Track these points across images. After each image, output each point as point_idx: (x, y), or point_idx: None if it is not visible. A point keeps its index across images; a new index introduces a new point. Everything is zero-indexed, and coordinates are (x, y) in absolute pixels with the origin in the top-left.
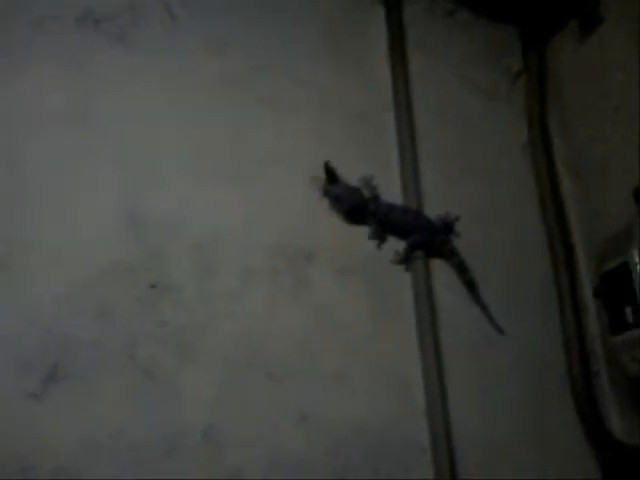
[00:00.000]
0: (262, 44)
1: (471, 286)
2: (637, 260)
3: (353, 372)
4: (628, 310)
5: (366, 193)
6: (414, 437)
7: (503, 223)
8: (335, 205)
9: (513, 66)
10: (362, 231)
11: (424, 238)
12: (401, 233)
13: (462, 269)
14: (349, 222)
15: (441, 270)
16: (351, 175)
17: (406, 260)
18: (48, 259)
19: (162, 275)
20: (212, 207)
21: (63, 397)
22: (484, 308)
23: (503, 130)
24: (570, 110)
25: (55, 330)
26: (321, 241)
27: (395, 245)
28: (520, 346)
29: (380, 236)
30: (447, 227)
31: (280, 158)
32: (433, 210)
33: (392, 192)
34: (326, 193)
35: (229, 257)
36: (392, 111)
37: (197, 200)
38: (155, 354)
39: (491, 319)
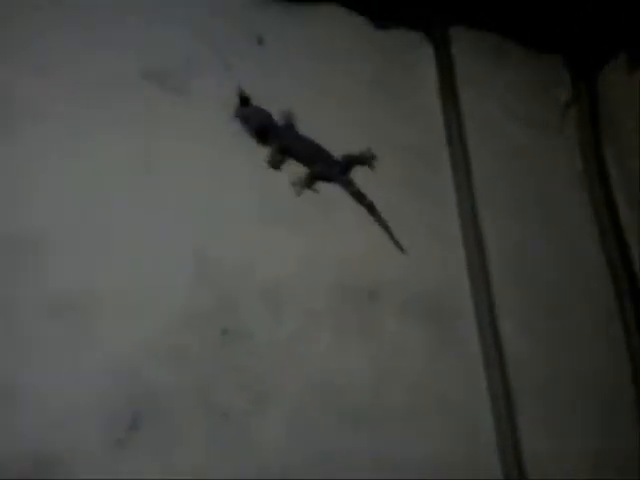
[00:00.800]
0: (316, 87)
1: (371, 209)
2: None
3: (422, 410)
4: None
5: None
6: (486, 474)
7: (562, 255)
8: (244, 125)
9: (562, 96)
10: (424, 266)
11: (323, 170)
12: (302, 161)
13: (359, 197)
14: (257, 142)
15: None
16: (409, 214)
17: (305, 187)
18: (127, 307)
19: (233, 320)
20: (277, 251)
21: (145, 443)
22: (385, 227)
23: (556, 161)
24: (626, 141)
25: (136, 378)
26: (383, 278)
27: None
28: (588, 378)
29: (279, 161)
30: (348, 163)
31: (339, 199)
32: (492, 244)
33: (449, 227)
34: (236, 114)
35: (295, 300)
36: (445, 146)
37: (262, 245)
38: (230, 399)
39: (393, 238)
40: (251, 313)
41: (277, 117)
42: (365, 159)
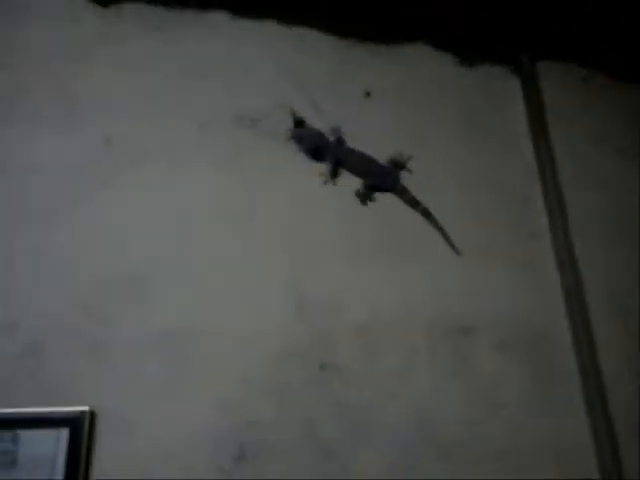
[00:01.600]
0: (406, 132)
1: (426, 214)
2: None
3: (522, 448)
4: None
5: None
6: None
7: None
8: (298, 145)
9: None
10: (519, 300)
11: (378, 181)
12: (357, 173)
13: (414, 203)
14: (312, 160)
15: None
16: (502, 248)
17: (364, 199)
18: (227, 343)
19: (330, 356)
20: (370, 287)
21: (250, 475)
22: (441, 231)
23: None
24: None
25: (240, 412)
26: (478, 313)
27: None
28: None
29: (334, 174)
30: (396, 170)
31: (431, 236)
32: (588, 276)
33: (544, 259)
34: (291, 135)
35: (390, 336)
36: (537, 179)
37: (356, 281)
38: (331, 433)
39: (448, 240)
40: (347, 349)
41: (328, 133)
42: (402, 163)
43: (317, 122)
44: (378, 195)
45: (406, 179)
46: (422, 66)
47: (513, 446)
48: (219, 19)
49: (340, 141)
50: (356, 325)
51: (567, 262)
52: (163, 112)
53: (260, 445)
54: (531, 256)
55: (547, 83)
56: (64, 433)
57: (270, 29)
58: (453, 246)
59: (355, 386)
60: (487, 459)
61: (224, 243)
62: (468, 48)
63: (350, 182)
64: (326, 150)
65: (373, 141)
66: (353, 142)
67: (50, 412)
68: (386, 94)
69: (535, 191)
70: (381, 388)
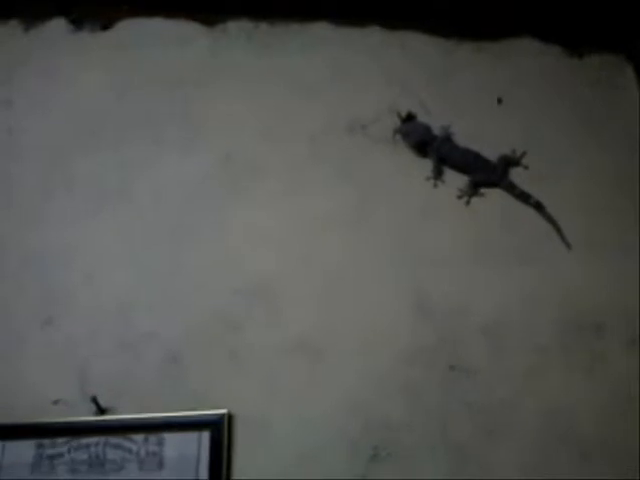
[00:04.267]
0: (519, 128)
1: (539, 207)
2: None
3: None
4: None
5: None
6: None
7: None
8: (404, 139)
9: None
10: None
11: (483, 177)
12: (462, 171)
13: (525, 197)
14: (419, 155)
15: None
16: (611, 245)
17: (469, 196)
18: (356, 345)
19: (457, 357)
20: (494, 287)
21: (385, 476)
22: (554, 223)
23: None
24: None
25: (372, 413)
26: (608, 310)
27: None
28: None
29: (438, 172)
30: (506, 166)
31: (548, 232)
32: None
33: None
34: (398, 130)
35: (518, 336)
36: None
37: (479, 281)
38: (464, 434)
39: (560, 234)
40: (474, 349)
41: (437, 131)
42: (516, 159)
43: (427, 121)
44: (491, 193)
45: (521, 175)
46: (529, 60)
47: None
48: (323, 30)
49: (447, 138)
50: (481, 326)
51: None
52: (280, 126)
53: (394, 446)
54: None
55: None
56: (206, 435)
57: (373, 35)
58: (565, 240)
59: (486, 386)
60: (628, 457)
61: (346, 250)
62: (576, 38)
63: (463, 182)
64: (431, 145)
65: (484, 139)
66: (464, 140)
67: (192, 415)
68: (494, 92)
69: None
70: (513, 388)
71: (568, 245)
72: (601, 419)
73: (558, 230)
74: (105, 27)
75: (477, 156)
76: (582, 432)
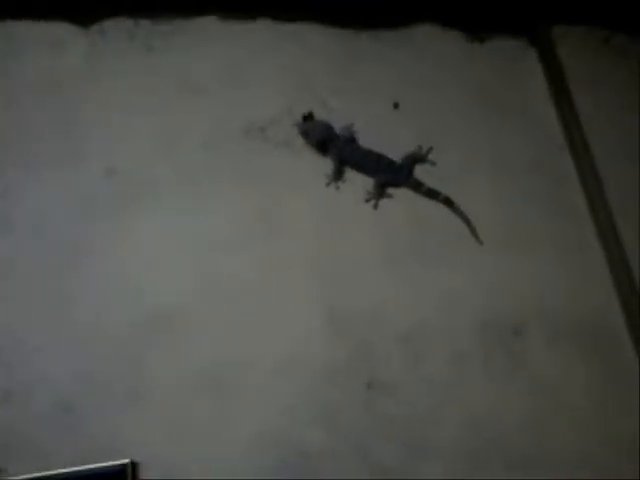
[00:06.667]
0: (421, 121)
1: (448, 203)
2: None
3: (591, 448)
4: None
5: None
6: None
7: None
8: (305, 138)
9: None
10: (568, 292)
11: (388, 178)
12: (366, 172)
13: (433, 194)
14: (318, 154)
15: None
16: (539, 234)
17: (377, 198)
18: (268, 371)
19: (376, 372)
20: (407, 293)
21: None
22: (465, 219)
23: None
24: None
25: (290, 445)
26: (527, 310)
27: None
28: None
29: (339, 172)
30: (412, 164)
31: (461, 232)
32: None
33: (587, 243)
34: (298, 129)
35: (436, 343)
36: (568, 154)
37: (391, 288)
38: (388, 455)
39: (471, 229)
40: (392, 361)
41: (339, 131)
42: (422, 156)
43: (326, 118)
44: (398, 193)
45: (430, 171)
46: (430, 47)
47: (583, 447)
48: (211, 25)
49: (350, 139)
50: (396, 335)
51: (613, 243)
52: (167, 135)
53: (314, 475)
54: (572, 240)
55: (566, 49)
56: None
57: (266, 29)
58: (477, 236)
59: (406, 400)
60: (559, 465)
61: (251, 269)
62: (477, 23)
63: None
64: (332, 144)
65: (386, 134)
66: (364, 138)
67: (93, 469)
68: (393, 83)
69: (567, 167)
70: (433, 399)
71: (479, 241)
72: (526, 424)
73: (469, 225)
74: None
75: (380, 157)
76: (509, 440)
